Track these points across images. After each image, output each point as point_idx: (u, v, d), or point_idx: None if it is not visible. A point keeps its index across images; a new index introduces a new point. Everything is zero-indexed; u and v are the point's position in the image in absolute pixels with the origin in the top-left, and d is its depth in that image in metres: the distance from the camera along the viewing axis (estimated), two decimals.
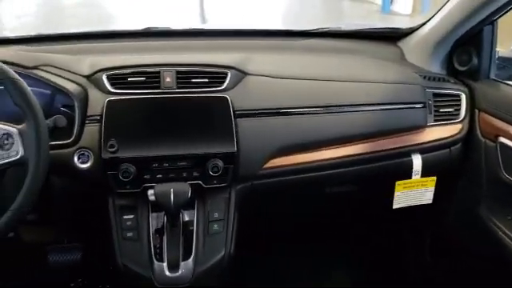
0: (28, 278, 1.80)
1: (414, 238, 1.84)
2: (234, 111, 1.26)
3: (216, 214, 1.26)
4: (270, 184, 1.34)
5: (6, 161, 0.97)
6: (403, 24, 1.71)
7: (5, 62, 1.04)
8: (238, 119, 1.27)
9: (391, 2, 10.14)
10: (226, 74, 1.32)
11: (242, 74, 1.34)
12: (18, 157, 0.97)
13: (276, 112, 1.31)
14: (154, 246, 1.21)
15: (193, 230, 1.24)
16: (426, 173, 1.42)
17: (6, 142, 0.97)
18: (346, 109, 1.35)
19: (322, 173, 1.37)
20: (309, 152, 1.34)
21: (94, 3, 10.46)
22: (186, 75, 1.30)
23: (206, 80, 1.30)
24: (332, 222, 1.80)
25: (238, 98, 1.29)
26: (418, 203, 1.47)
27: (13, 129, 0.98)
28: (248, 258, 1.47)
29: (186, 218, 1.25)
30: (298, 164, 1.34)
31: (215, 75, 1.31)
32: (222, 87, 1.30)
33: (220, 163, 1.21)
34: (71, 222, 1.56)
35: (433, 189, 1.46)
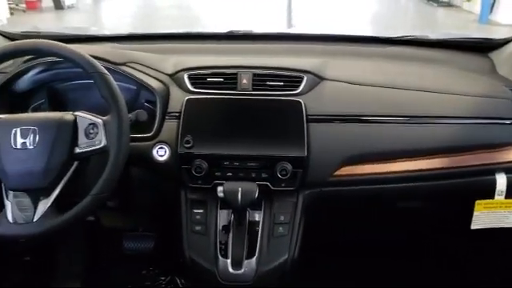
0: (103, 261, 1.91)
1: (493, 258, 1.72)
2: (307, 115, 1.26)
3: (282, 217, 1.26)
4: (340, 192, 1.32)
5: (91, 149, 1.04)
6: (502, 35, 1.60)
7: (96, 58, 1.12)
8: (311, 124, 1.26)
9: (490, 12, 9.51)
10: (302, 78, 1.32)
11: (318, 78, 1.34)
12: (100, 146, 1.04)
13: (352, 119, 1.28)
14: (220, 242, 1.24)
15: (258, 231, 1.25)
16: (511, 194, 1.33)
17: (91, 131, 1.05)
18: (428, 120, 1.29)
19: (397, 185, 1.32)
20: (384, 162, 1.30)
21: (185, 5, 10.94)
22: (261, 78, 1.32)
23: (281, 83, 1.31)
24: (402, 237, 1.73)
25: (312, 103, 1.28)
26: (500, 226, 1.37)
27: (98, 120, 1.05)
28: (311, 262, 1.45)
29: (253, 218, 1.26)
30: (372, 174, 1.30)
31: (291, 79, 1.32)
32: (297, 91, 1.30)
33: (289, 166, 1.21)
34: (147, 212, 1.64)
35: None
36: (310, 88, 1.32)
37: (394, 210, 1.48)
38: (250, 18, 8.98)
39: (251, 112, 1.27)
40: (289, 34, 1.74)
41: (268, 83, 1.32)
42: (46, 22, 10.20)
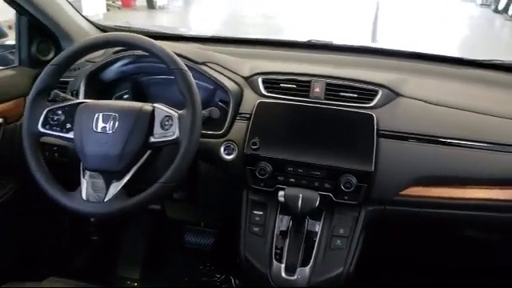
0: (164, 251, 1.99)
1: None
2: (378, 130, 1.24)
3: (341, 230, 1.24)
4: (405, 212, 1.27)
5: (164, 139, 1.09)
6: None
7: (179, 55, 1.16)
8: (382, 139, 1.24)
9: None
10: (377, 91, 1.30)
11: (393, 94, 1.31)
12: (173, 137, 1.08)
13: (426, 139, 1.23)
14: (276, 247, 1.24)
15: (315, 241, 1.24)
16: None
17: (166, 123, 1.09)
18: (509, 149, 1.21)
19: (467, 212, 1.26)
20: (456, 187, 1.24)
21: (271, 14, 11.09)
22: (335, 88, 1.32)
23: (355, 95, 1.30)
24: (464, 268, 1.63)
25: (385, 118, 1.26)
26: None
27: (174, 113, 1.10)
28: (366, 277, 1.41)
29: (311, 227, 1.26)
30: (441, 198, 1.24)
31: (365, 92, 1.31)
32: (370, 105, 1.28)
33: (353, 180, 1.19)
34: (210, 208, 1.68)
35: None
36: (384, 103, 1.29)
37: (461, 237, 1.40)
38: (335, 29, 8.95)
39: (321, 121, 1.27)
40: (369, 47, 1.69)
41: (341, 94, 1.31)
42: (138, 19, 10.78)
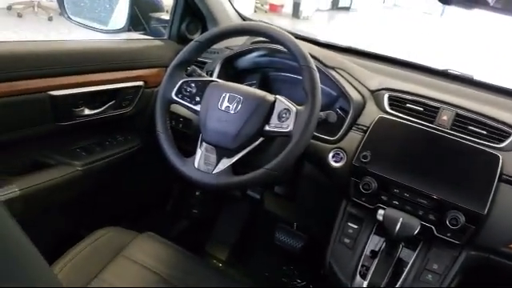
0: (253, 241, 2.03)
1: None
2: (501, 174, 1.15)
3: (435, 266, 1.17)
4: (510, 267, 1.17)
5: (278, 130, 1.13)
6: None
7: (312, 56, 1.18)
8: (503, 184, 1.15)
9: None
10: (510, 134, 1.21)
11: None
12: (287, 130, 1.11)
13: None
14: (362, 264, 1.22)
15: (405, 269, 1.19)
16: None
17: (284, 115, 1.13)
18: None
19: None
20: None
21: (416, 52, 10.62)
22: (464, 120, 1.25)
23: (484, 132, 1.23)
24: None
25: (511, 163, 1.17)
26: None
27: (293, 107, 1.13)
28: None
29: (403, 255, 1.21)
30: None
31: (496, 131, 1.22)
32: (499, 146, 1.20)
33: (461, 218, 1.11)
34: (306, 210, 1.69)
35: None
36: None
37: None
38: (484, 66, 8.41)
39: (441, 150, 1.21)
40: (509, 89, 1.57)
41: (469, 127, 1.24)
42: (281, 23, 11.09)
